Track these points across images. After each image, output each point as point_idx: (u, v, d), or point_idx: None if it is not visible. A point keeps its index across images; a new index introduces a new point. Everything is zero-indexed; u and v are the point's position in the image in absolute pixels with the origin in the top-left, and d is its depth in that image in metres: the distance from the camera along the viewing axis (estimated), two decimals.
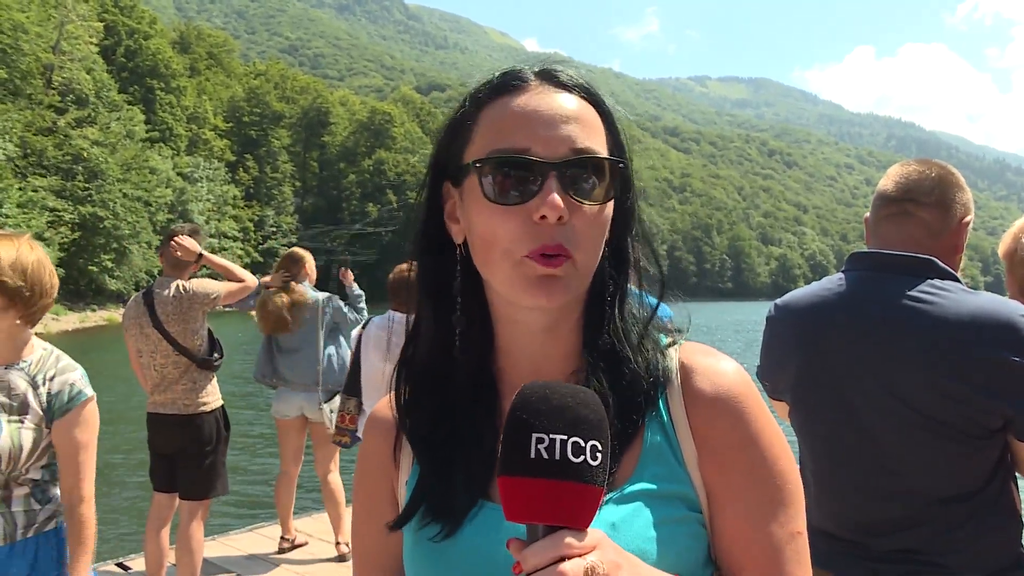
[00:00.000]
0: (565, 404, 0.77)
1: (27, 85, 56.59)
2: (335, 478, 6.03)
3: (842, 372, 2.04)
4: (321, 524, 6.63)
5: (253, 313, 6.12)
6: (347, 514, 5.87)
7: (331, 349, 6.08)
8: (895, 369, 1.95)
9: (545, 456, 0.75)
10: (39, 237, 43.85)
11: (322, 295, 6.16)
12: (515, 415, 0.78)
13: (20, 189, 47.67)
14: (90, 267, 54.60)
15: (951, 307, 1.91)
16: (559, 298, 0.95)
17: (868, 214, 2.22)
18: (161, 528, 5.11)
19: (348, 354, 6.08)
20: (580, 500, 0.75)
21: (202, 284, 5.07)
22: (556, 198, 0.92)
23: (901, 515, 1.99)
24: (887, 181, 2.15)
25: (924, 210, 2.08)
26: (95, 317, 51.51)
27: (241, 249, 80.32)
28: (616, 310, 1.05)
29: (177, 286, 5.00)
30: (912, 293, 1.96)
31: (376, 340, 4.84)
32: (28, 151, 53.91)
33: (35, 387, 2.55)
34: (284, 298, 5.98)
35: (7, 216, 42.63)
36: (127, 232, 58.25)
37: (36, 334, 2.69)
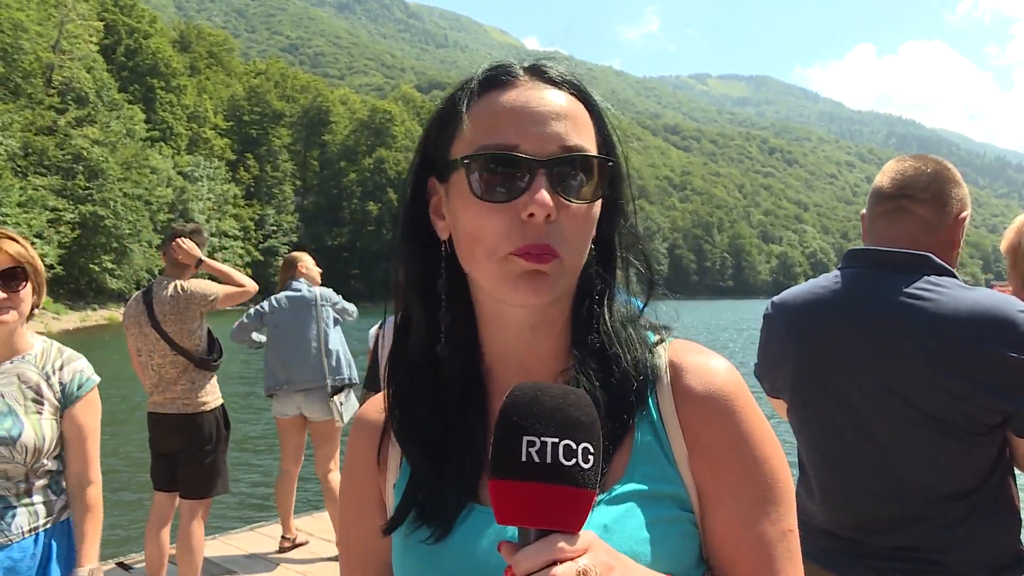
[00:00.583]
0: (556, 406, 0.76)
1: (27, 84, 56.58)
2: (335, 477, 6.02)
3: (839, 370, 2.04)
4: (322, 523, 6.63)
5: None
6: None
7: (336, 343, 6.07)
8: (892, 366, 1.94)
9: (536, 459, 0.74)
10: (39, 236, 43.93)
11: (318, 290, 6.14)
12: (505, 417, 0.77)
13: (20, 188, 47.67)
14: (91, 266, 54.63)
15: (948, 303, 1.90)
16: (546, 295, 0.94)
17: (864, 210, 2.21)
18: (162, 527, 5.11)
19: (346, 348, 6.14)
20: (572, 503, 0.75)
21: (200, 285, 5.06)
22: (545, 196, 0.91)
23: (900, 513, 1.98)
24: (883, 177, 2.15)
25: (920, 206, 2.07)
26: (96, 316, 51.53)
27: (242, 248, 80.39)
28: (605, 308, 1.04)
29: (175, 286, 5.00)
30: (909, 290, 1.95)
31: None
32: (29, 150, 53.91)
33: (47, 378, 2.60)
34: None
35: (7, 215, 42.63)
36: (127, 231, 58.28)
37: (37, 333, 2.73)
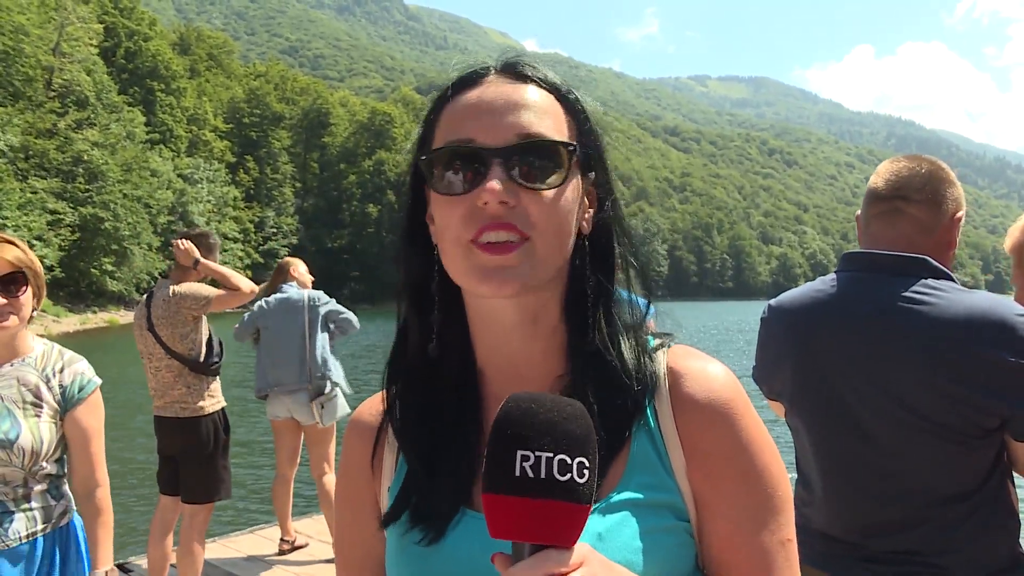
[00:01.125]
0: (551, 419, 0.75)
1: (28, 87, 56.62)
2: (330, 479, 6.01)
3: (836, 373, 2.03)
4: (321, 525, 6.62)
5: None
6: None
7: (320, 346, 6.04)
8: (890, 370, 1.93)
9: (530, 474, 0.73)
10: (39, 239, 43.94)
11: (308, 292, 6.11)
12: (499, 430, 0.76)
13: (20, 191, 47.69)
14: (91, 269, 54.63)
15: (946, 307, 1.89)
16: (511, 286, 0.93)
17: (859, 212, 2.20)
18: (165, 531, 5.11)
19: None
20: (566, 519, 0.74)
21: (191, 288, 5.01)
22: (495, 183, 0.91)
23: (898, 516, 1.97)
24: (877, 178, 2.13)
25: (915, 207, 2.05)
26: (96, 319, 51.54)
27: (242, 250, 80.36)
28: (601, 311, 1.03)
29: (170, 290, 5.00)
30: (906, 293, 1.94)
31: None
32: (29, 153, 53.94)
33: (47, 380, 2.60)
34: None
35: (7, 218, 42.63)
36: (127, 233, 58.29)
37: (37, 335, 2.73)
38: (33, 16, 56.74)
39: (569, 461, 0.74)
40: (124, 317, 55.66)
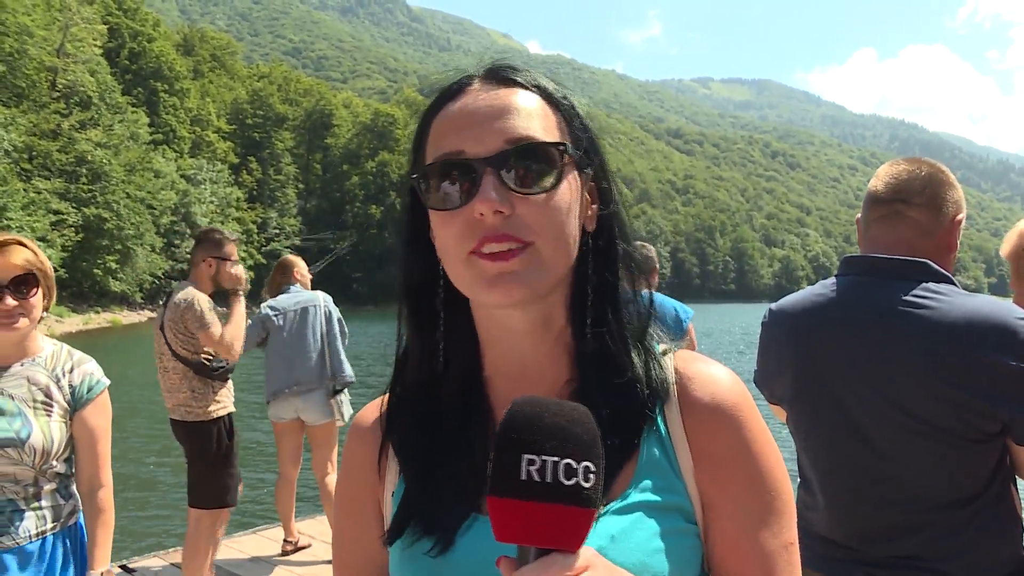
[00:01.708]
0: (556, 423, 0.75)
1: (32, 88, 56.71)
2: (332, 480, 6.02)
3: (837, 378, 2.02)
4: (324, 526, 6.64)
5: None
6: None
7: (337, 344, 6.09)
8: (891, 374, 1.92)
9: (536, 479, 0.73)
10: (42, 239, 44.00)
11: (319, 293, 6.16)
12: (505, 434, 0.76)
13: (24, 191, 47.77)
14: (94, 269, 54.70)
15: (946, 310, 1.89)
16: (518, 291, 0.93)
17: (859, 215, 2.19)
18: (208, 538, 5.12)
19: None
20: (572, 523, 0.74)
21: (197, 308, 4.91)
22: (489, 193, 0.90)
23: (900, 521, 1.97)
24: (877, 181, 2.12)
25: (915, 210, 2.04)
26: (98, 319, 51.62)
27: (244, 251, 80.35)
28: (609, 315, 1.02)
29: (183, 294, 4.99)
30: (907, 298, 1.93)
31: None
32: (33, 153, 54.03)
33: (56, 380, 2.62)
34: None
35: (11, 219, 42.70)
36: (130, 234, 58.38)
37: (43, 336, 2.75)
38: (38, 17, 56.81)
39: (575, 465, 0.74)
40: (127, 317, 55.78)
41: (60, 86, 60.20)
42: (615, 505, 0.94)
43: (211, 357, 5.03)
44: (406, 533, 1.00)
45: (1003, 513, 1.96)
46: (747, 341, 37.09)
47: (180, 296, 4.98)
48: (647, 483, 0.96)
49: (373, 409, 1.14)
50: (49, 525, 2.57)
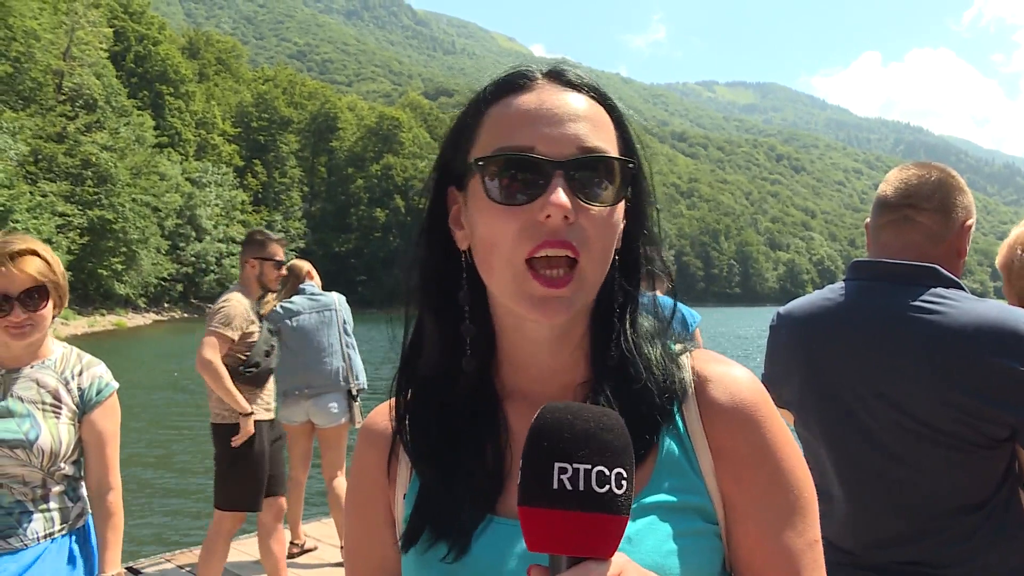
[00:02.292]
0: (588, 430, 0.74)
1: (38, 91, 56.89)
2: (341, 483, 6.02)
3: (845, 384, 2.01)
4: (330, 529, 6.63)
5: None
6: None
7: (353, 347, 6.10)
8: (898, 379, 1.91)
9: (568, 487, 0.72)
10: (48, 242, 44.06)
11: (335, 295, 6.17)
12: (536, 442, 0.75)
13: (30, 194, 47.90)
14: (99, 270, 54.78)
15: (955, 316, 1.87)
16: (562, 316, 0.93)
17: (868, 219, 2.18)
18: (266, 536, 5.21)
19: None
20: (605, 531, 0.73)
21: (222, 310, 4.95)
22: (562, 196, 0.89)
23: (908, 527, 1.95)
24: (886, 186, 2.11)
25: (924, 215, 2.03)
26: (104, 321, 51.70)
27: None
28: (627, 322, 1.03)
29: (223, 296, 5.03)
30: (915, 303, 1.92)
31: None
32: (39, 156, 54.18)
33: (65, 383, 2.63)
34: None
35: (17, 222, 42.81)
36: (135, 237, 58.48)
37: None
38: (44, 20, 56.99)
39: (607, 472, 0.73)
40: (132, 320, 55.88)
41: (66, 89, 60.40)
42: (633, 506, 0.89)
43: (243, 359, 5.03)
44: (421, 538, 0.99)
45: (1011, 519, 1.95)
46: (753, 345, 37.04)
47: (220, 299, 5.04)
48: (666, 483, 0.96)
49: (383, 412, 1.12)
50: (57, 527, 2.58)
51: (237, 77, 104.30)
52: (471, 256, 1.00)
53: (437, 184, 1.03)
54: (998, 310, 1.88)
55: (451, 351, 1.04)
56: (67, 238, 50.20)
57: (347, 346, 6.05)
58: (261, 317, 5.31)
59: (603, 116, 0.97)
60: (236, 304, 5.00)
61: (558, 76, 0.98)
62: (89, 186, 55.44)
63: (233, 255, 76.14)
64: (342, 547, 6.07)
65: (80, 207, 53.93)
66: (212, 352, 4.88)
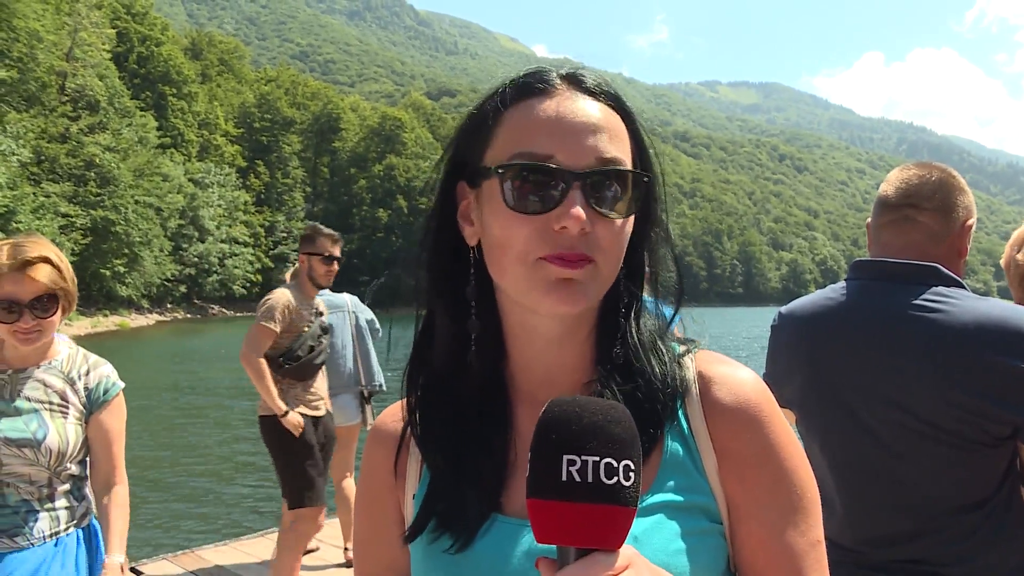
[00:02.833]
0: (596, 422, 0.75)
1: (41, 92, 56.98)
2: (350, 483, 6.03)
3: (847, 383, 2.02)
4: (332, 529, 6.62)
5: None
6: None
7: (368, 348, 6.10)
8: (900, 378, 1.92)
9: (577, 479, 0.73)
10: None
11: (349, 297, 6.17)
12: (544, 435, 0.75)
13: (33, 195, 48.01)
14: (102, 271, 54.88)
15: (957, 314, 1.88)
16: (580, 303, 0.93)
17: (870, 219, 2.19)
18: (299, 540, 5.18)
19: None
20: (613, 522, 0.74)
21: (264, 305, 5.00)
22: (579, 210, 0.90)
23: (909, 526, 1.95)
24: (887, 186, 2.11)
25: (925, 215, 2.03)
26: (107, 322, 51.83)
27: (252, 255, 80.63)
28: (632, 321, 1.04)
29: (276, 292, 5.05)
30: (917, 302, 1.93)
31: None
32: (42, 157, 54.28)
33: (72, 383, 2.66)
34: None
35: (21, 223, 42.92)
36: (138, 238, 58.56)
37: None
38: (47, 22, 57.07)
39: (615, 464, 0.74)
40: (135, 320, 55.96)
41: (69, 90, 60.53)
42: (637, 506, 0.91)
43: (285, 350, 5.02)
44: (427, 531, 1.00)
45: (1012, 518, 1.95)
46: (756, 345, 37.01)
47: (266, 299, 5.06)
48: (671, 483, 0.97)
49: (392, 413, 1.14)
50: (63, 526, 2.61)
51: (240, 78, 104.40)
52: (479, 252, 1.01)
53: (447, 179, 1.04)
54: (1000, 309, 1.88)
55: (459, 347, 1.05)
56: (70, 239, 50.32)
57: (367, 348, 6.05)
58: (319, 313, 5.27)
59: (620, 126, 0.98)
60: (279, 297, 5.00)
61: (576, 82, 0.98)
62: (92, 187, 55.59)
63: (236, 255, 76.43)
64: (346, 548, 6.07)
65: (83, 208, 54.09)
66: (253, 345, 4.91)
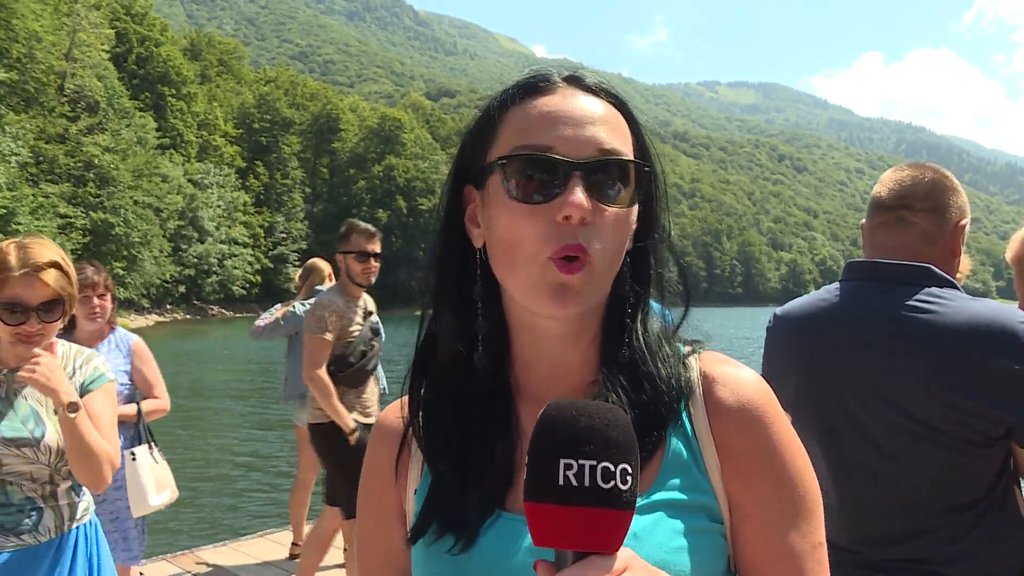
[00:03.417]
0: (593, 426, 0.75)
1: (40, 93, 56.97)
2: None
3: (841, 383, 2.03)
4: None
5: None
6: None
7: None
8: (894, 379, 1.93)
9: (574, 483, 0.73)
10: None
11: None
12: (541, 438, 0.76)
13: (32, 196, 48.00)
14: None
15: (950, 315, 1.89)
16: (572, 308, 0.94)
17: (864, 220, 2.20)
18: (323, 542, 5.22)
19: None
20: (610, 525, 0.74)
21: (317, 323, 4.75)
22: (580, 197, 0.90)
23: (905, 525, 1.96)
24: (881, 187, 2.13)
25: (919, 216, 2.05)
26: None
27: (252, 255, 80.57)
28: (638, 322, 1.04)
29: (321, 299, 4.88)
30: (910, 302, 1.94)
31: None
32: (40, 158, 54.25)
33: (68, 378, 2.66)
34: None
35: (20, 224, 42.91)
36: (137, 240, 58.53)
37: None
38: (46, 22, 57.07)
39: (612, 468, 0.74)
40: (134, 321, 55.87)
41: (68, 91, 60.50)
42: (639, 503, 0.90)
43: (337, 357, 4.80)
44: (429, 531, 1.00)
45: (1006, 517, 1.96)
46: (756, 346, 37.01)
47: (315, 303, 4.91)
48: (673, 482, 0.97)
49: (394, 409, 1.14)
50: (67, 522, 2.63)
51: (239, 78, 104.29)
52: (485, 254, 1.02)
53: (454, 183, 1.05)
54: (993, 309, 1.89)
55: (464, 348, 1.06)
56: (69, 240, 50.26)
57: None
58: (368, 313, 5.03)
59: (620, 121, 1.00)
60: (326, 304, 4.77)
61: (577, 81, 1.00)
62: (91, 188, 55.57)
63: (235, 256, 76.39)
64: (345, 549, 6.07)
65: (82, 209, 54.06)
66: (313, 361, 4.69)
